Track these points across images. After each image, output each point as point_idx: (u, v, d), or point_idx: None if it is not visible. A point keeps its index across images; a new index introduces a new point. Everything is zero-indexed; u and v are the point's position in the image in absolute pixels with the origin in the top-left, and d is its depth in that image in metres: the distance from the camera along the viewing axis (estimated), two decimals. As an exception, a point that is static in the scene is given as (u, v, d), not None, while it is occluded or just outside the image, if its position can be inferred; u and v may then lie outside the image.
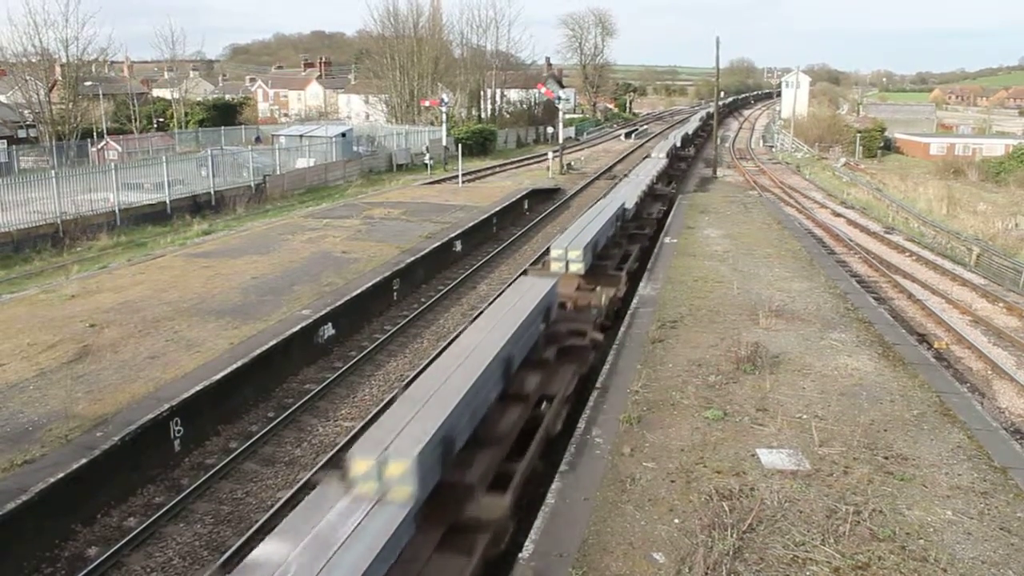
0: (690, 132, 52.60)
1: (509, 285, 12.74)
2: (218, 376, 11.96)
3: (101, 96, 56.09)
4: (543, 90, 55.52)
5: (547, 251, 14.29)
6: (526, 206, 31.99)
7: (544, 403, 9.07)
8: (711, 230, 22.55)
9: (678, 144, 38.94)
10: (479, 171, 42.39)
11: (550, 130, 64.14)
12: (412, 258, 20.15)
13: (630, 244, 17.51)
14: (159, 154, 39.16)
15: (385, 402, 12.71)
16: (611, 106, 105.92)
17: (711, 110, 67.92)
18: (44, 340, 13.33)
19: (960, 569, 6.45)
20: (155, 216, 29.00)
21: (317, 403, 13.20)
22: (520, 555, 6.69)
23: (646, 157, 33.80)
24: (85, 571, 8.50)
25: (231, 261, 19.48)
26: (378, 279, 17.95)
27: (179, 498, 9.98)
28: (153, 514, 9.61)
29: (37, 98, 48.05)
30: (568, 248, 13.13)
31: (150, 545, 9.20)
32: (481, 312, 12.87)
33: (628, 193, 20.53)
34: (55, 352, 12.79)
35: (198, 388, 11.47)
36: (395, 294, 18.81)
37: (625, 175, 26.18)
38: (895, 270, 23.19)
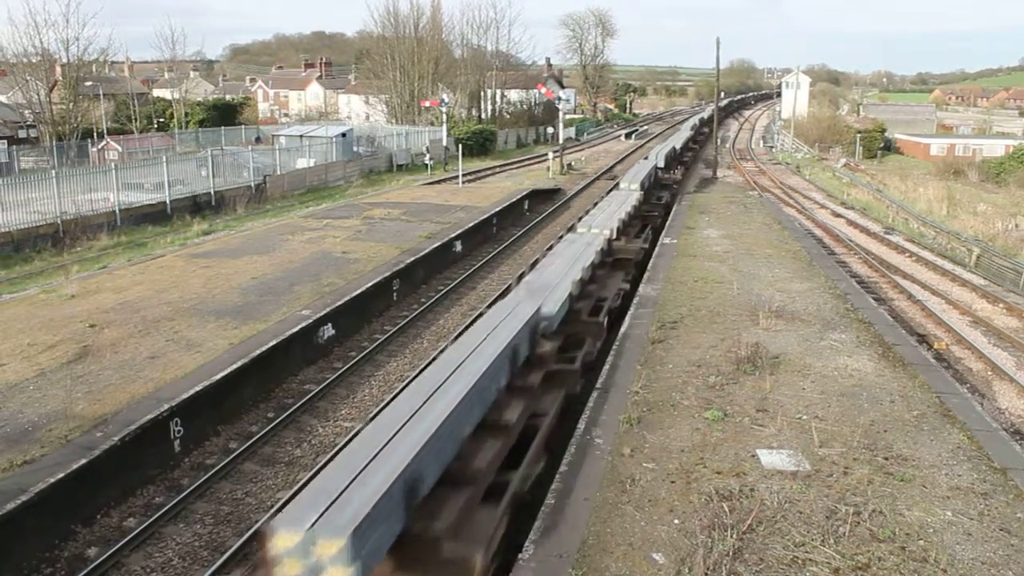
0: (678, 147, 38.29)
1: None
2: (218, 376, 11.97)
3: (101, 96, 56.12)
4: (543, 90, 55.52)
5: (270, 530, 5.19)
6: (526, 206, 32.01)
7: None
8: (711, 230, 22.55)
9: (660, 164, 28.39)
10: (479, 171, 42.43)
11: (550, 130, 64.14)
12: (412, 258, 20.15)
13: (540, 399, 8.61)
14: (159, 154, 39.12)
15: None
16: (611, 106, 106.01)
17: (710, 112, 67.91)
18: (44, 340, 13.34)
19: (960, 570, 6.45)
20: (155, 216, 29.01)
21: (317, 403, 13.21)
22: (520, 555, 6.69)
23: (613, 188, 25.88)
24: (85, 571, 8.50)
25: (231, 261, 19.48)
26: (378, 279, 17.95)
27: (179, 498, 9.99)
28: (153, 514, 9.62)
29: (37, 98, 48.11)
30: (315, 535, 4.75)
31: (150, 545, 9.21)
32: None
33: (558, 271, 11.78)
34: (55, 352, 12.79)
35: (198, 388, 11.48)
36: (395, 294, 18.81)
37: (571, 226, 16.71)
38: (895, 271, 23.19)
